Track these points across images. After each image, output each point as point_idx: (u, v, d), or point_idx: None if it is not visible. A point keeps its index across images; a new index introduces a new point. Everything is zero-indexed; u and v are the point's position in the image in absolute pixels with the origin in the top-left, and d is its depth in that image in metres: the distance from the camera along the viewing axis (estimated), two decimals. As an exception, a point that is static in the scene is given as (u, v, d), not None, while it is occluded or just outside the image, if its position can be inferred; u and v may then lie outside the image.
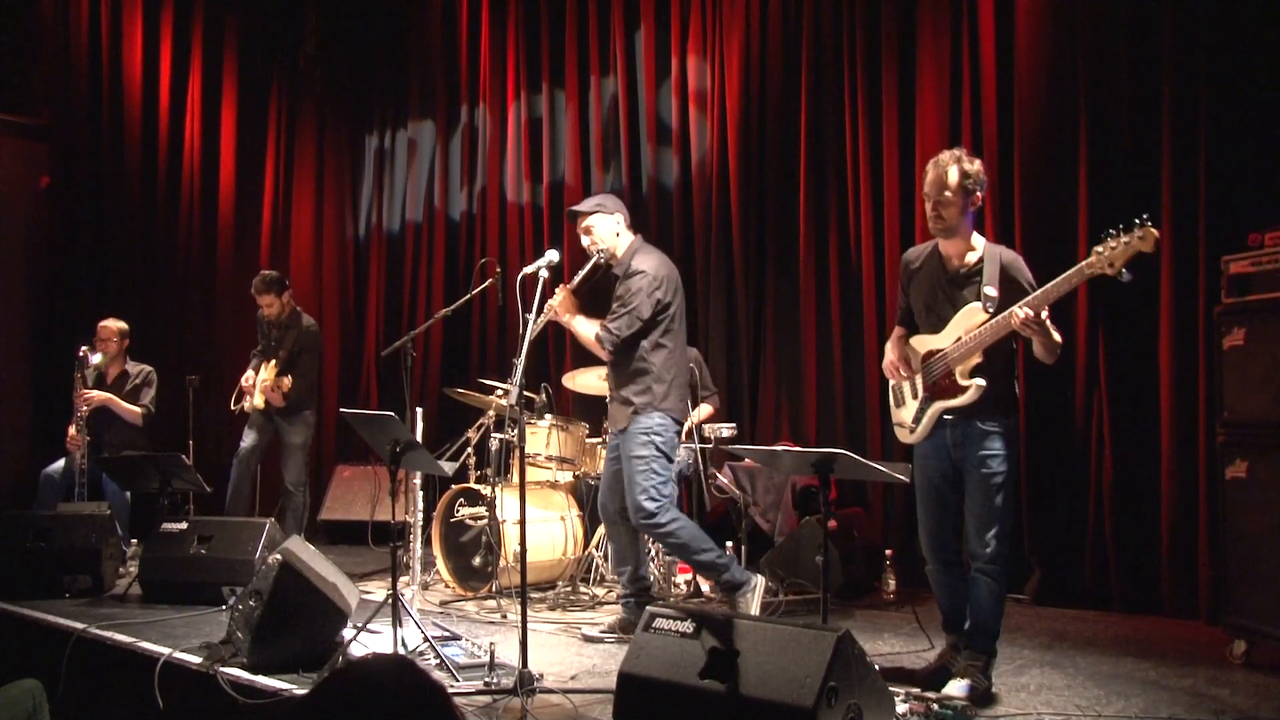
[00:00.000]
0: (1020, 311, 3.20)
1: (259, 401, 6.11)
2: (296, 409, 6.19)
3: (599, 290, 4.46)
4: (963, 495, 3.48)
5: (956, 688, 3.35)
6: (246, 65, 8.40)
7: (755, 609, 4.19)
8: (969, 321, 3.39)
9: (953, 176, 3.38)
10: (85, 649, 4.06)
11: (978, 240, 3.49)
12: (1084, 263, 3.19)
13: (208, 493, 5.57)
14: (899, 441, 3.73)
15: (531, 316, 3.78)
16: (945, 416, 3.46)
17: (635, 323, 4.15)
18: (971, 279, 3.42)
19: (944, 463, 3.49)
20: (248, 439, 6.19)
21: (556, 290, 4.27)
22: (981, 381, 3.36)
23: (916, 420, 3.55)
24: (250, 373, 6.22)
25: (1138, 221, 3.06)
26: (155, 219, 7.86)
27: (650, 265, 4.21)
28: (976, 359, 3.39)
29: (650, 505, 4.10)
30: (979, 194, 3.42)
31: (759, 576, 4.29)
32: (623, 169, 7.10)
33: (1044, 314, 3.22)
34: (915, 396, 3.56)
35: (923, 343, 3.55)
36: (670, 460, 4.21)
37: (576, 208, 4.37)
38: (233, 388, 6.41)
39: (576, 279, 4.27)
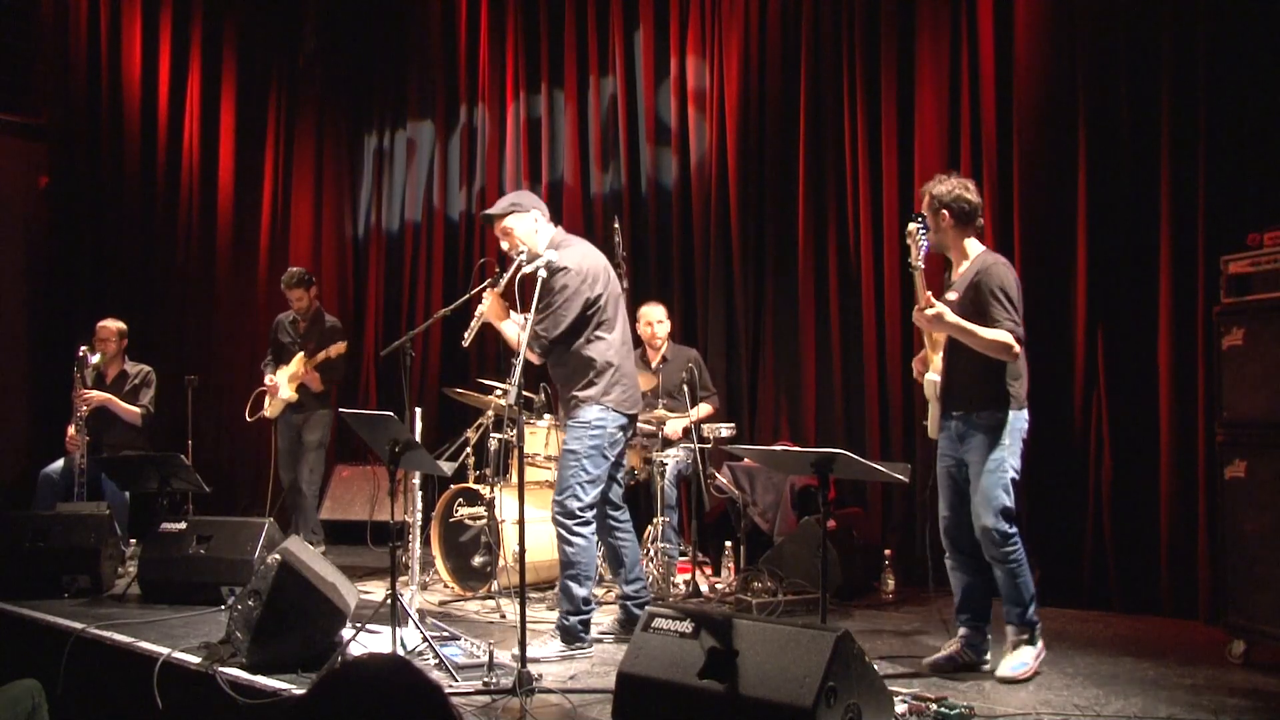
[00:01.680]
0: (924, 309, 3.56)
1: (288, 394, 6.12)
2: (313, 405, 6.22)
3: (531, 289, 4.38)
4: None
5: (1009, 667, 3.61)
6: (245, 65, 8.40)
7: (551, 659, 3.90)
8: None
9: (925, 200, 3.77)
10: (84, 649, 4.06)
11: (973, 249, 3.78)
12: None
13: (207, 493, 5.56)
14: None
15: (466, 331, 3.86)
16: (953, 414, 3.73)
17: (562, 322, 4.00)
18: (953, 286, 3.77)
19: (955, 455, 3.78)
20: (282, 447, 6.30)
21: (484, 295, 4.15)
22: (932, 376, 3.78)
23: (932, 417, 3.91)
24: (269, 377, 6.25)
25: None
26: (154, 218, 7.86)
27: (573, 260, 4.05)
28: (935, 356, 3.78)
29: (573, 504, 3.95)
30: (945, 213, 3.73)
31: (593, 649, 4.03)
32: (622, 169, 7.10)
33: (932, 310, 3.52)
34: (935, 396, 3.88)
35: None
36: (606, 459, 4.04)
37: (489, 211, 4.25)
38: (232, 388, 6.42)
39: (501, 282, 4.14)
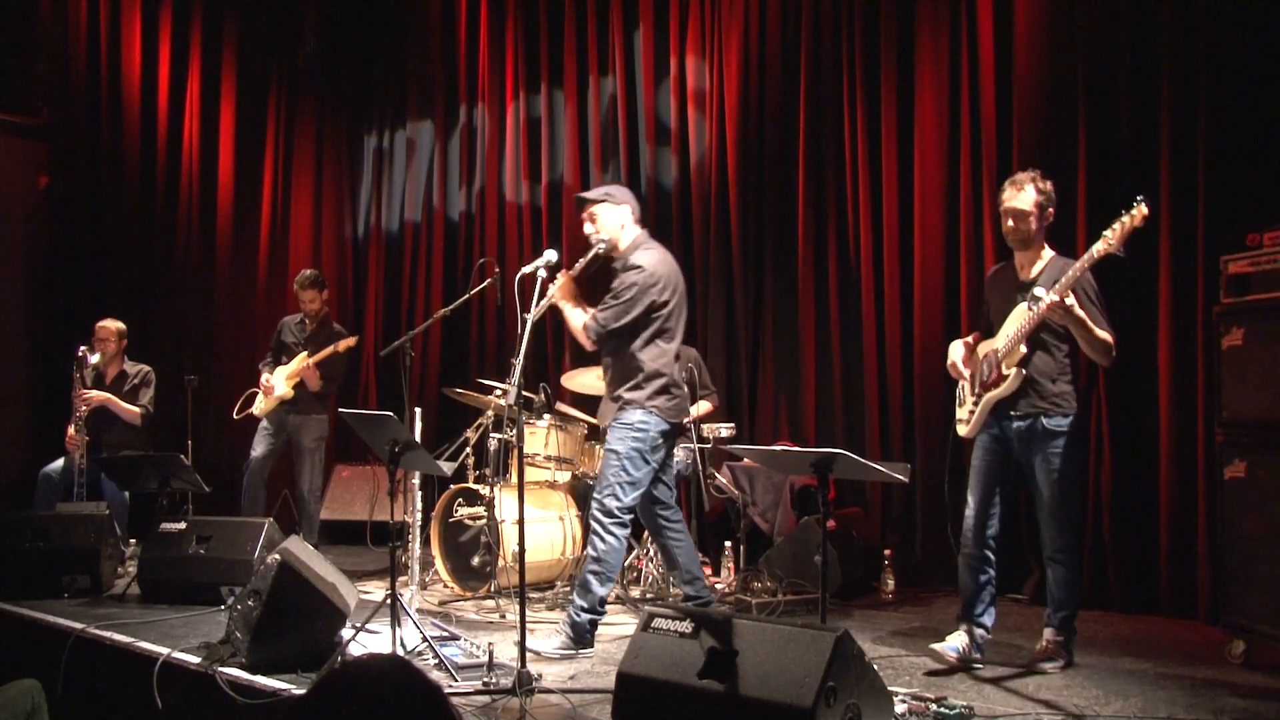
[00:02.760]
0: (1047, 297, 3.50)
1: (284, 390, 6.10)
2: (310, 408, 6.19)
3: (600, 283, 4.42)
4: (1013, 489, 3.90)
5: (1053, 665, 3.73)
6: (245, 65, 8.39)
7: (552, 655, 3.91)
8: (1016, 321, 3.71)
9: (1029, 194, 3.74)
10: (84, 649, 4.05)
11: (1047, 252, 3.83)
12: (1093, 247, 3.49)
13: (207, 493, 5.56)
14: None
15: (533, 306, 3.81)
16: (1011, 413, 3.74)
17: (623, 316, 4.04)
18: (1034, 285, 3.72)
19: (1003, 456, 3.81)
20: (259, 448, 6.18)
21: (558, 275, 4.18)
22: (1022, 370, 3.67)
23: (970, 415, 3.86)
24: (266, 376, 6.22)
25: (1135, 202, 3.43)
26: (154, 218, 7.85)
27: (649, 261, 4.10)
28: (1020, 353, 3.69)
29: (611, 504, 3.97)
30: (1051, 210, 3.78)
31: (590, 655, 3.96)
32: (621, 169, 7.09)
33: (1069, 300, 3.48)
34: (972, 393, 3.87)
35: (986, 346, 3.86)
36: (647, 463, 4.05)
37: (585, 194, 4.31)
38: (232, 387, 6.41)
39: (577, 266, 4.18)
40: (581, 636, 4.00)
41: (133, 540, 5.99)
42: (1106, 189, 5.01)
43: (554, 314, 4.29)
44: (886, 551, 5.38)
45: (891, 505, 5.83)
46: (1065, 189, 5.14)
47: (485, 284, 4.90)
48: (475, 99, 8.06)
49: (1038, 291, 3.62)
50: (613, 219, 4.19)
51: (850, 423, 5.99)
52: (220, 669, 3.51)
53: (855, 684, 2.62)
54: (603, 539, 3.99)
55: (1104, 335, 3.63)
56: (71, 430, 5.96)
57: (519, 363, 3.71)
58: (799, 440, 6.08)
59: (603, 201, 4.21)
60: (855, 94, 5.96)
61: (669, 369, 4.14)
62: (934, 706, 3.16)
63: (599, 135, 7.26)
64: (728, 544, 5.47)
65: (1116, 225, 3.43)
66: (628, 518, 4.04)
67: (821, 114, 6.17)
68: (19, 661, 4.09)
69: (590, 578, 4.00)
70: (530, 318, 3.97)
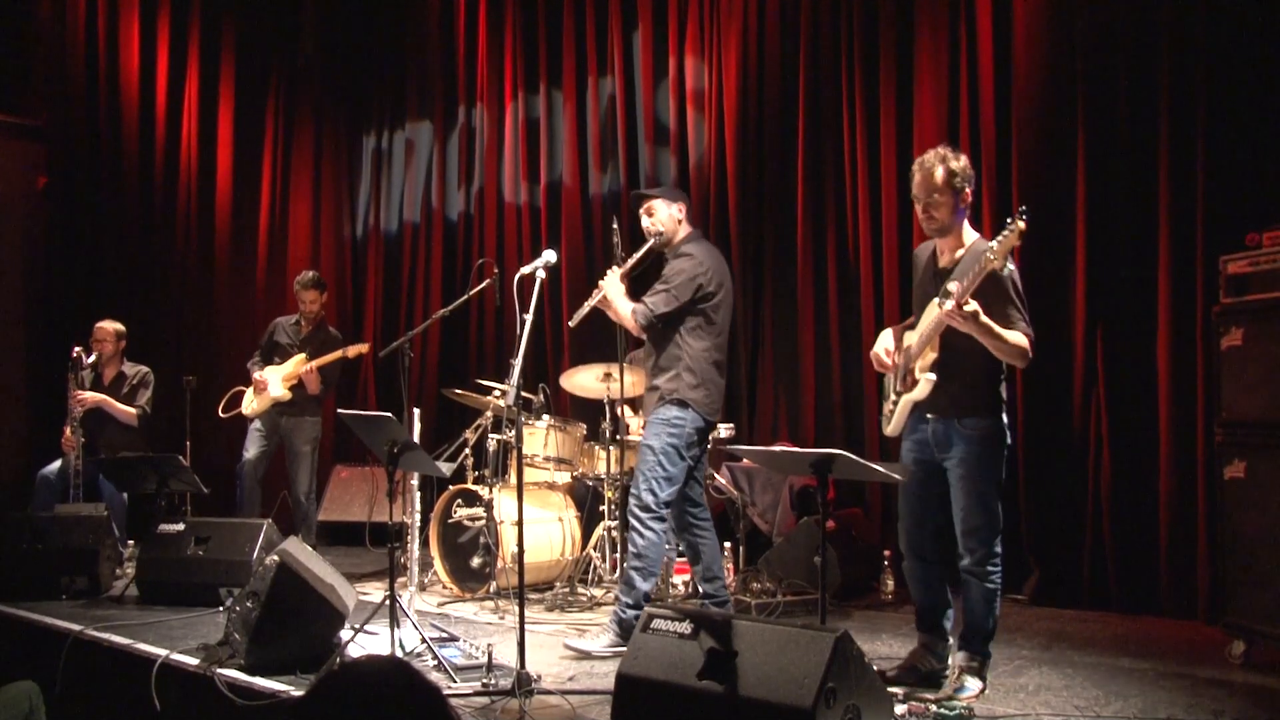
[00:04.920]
0: (945, 302, 3.16)
1: (280, 392, 6.08)
2: (305, 410, 6.18)
3: (648, 280, 4.43)
4: (944, 492, 3.48)
5: (973, 686, 3.37)
6: (244, 66, 8.38)
7: (604, 654, 3.92)
8: (928, 316, 3.39)
9: (939, 176, 3.39)
10: (82, 650, 4.04)
11: (969, 236, 3.48)
12: (981, 260, 3.13)
13: (205, 494, 5.55)
14: (896, 442, 3.72)
15: (580, 309, 3.98)
16: (928, 415, 3.46)
17: (673, 302, 4.10)
18: (949, 276, 3.36)
19: (925, 458, 3.49)
20: (252, 450, 6.17)
21: (608, 271, 4.24)
22: (931, 376, 3.36)
23: (891, 414, 3.60)
24: (258, 374, 6.20)
25: (1009, 220, 3.05)
26: (152, 219, 7.84)
27: (700, 251, 4.21)
28: (932, 355, 3.38)
29: (649, 499, 4.02)
30: (968, 190, 3.42)
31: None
32: (620, 169, 7.09)
33: (970, 307, 3.13)
34: (895, 391, 3.60)
35: (908, 337, 3.56)
36: (683, 459, 4.08)
37: (642, 191, 4.44)
38: (231, 388, 6.39)
39: (630, 262, 4.25)
40: (629, 632, 3.99)
41: (131, 541, 5.99)
42: (1106, 188, 5.01)
43: (552, 314, 4.29)
44: (886, 552, 5.38)
45: (891, 505, 5.81)
46: (1064, 187, 5.16)
47: (484, 285, 4.90)
48: (474, 99, 8.06)
49: (950, 286, 3.21)
50: (668, 214, 4.29)
51: (849, 423, 5.99)
52: (219, 670, 3.50)
53: (855, 685, 2.61)
54: (641, 534, 4.03)
55: (1016, 340, 3.25)
56: (67, 431, 5.95)
57: (518, 363, 3.71)
58: (798, 440, 6.08)
59: (659, 197, 4.32)
60: (854, 94, 5.96)
61: (710, 363, 4.17)
62: (934, 707, 3.16)
63: (598, 136, 7.26)
64: (727, 545, 5.44)
65: (996, 242, 3.05)
66: (665, 511, 4.08)
67: (821, 114, 6.17)
68: (17, 663, 4.09)
69: (633, 574, 4.04)
70: (577, 318, 4.12)
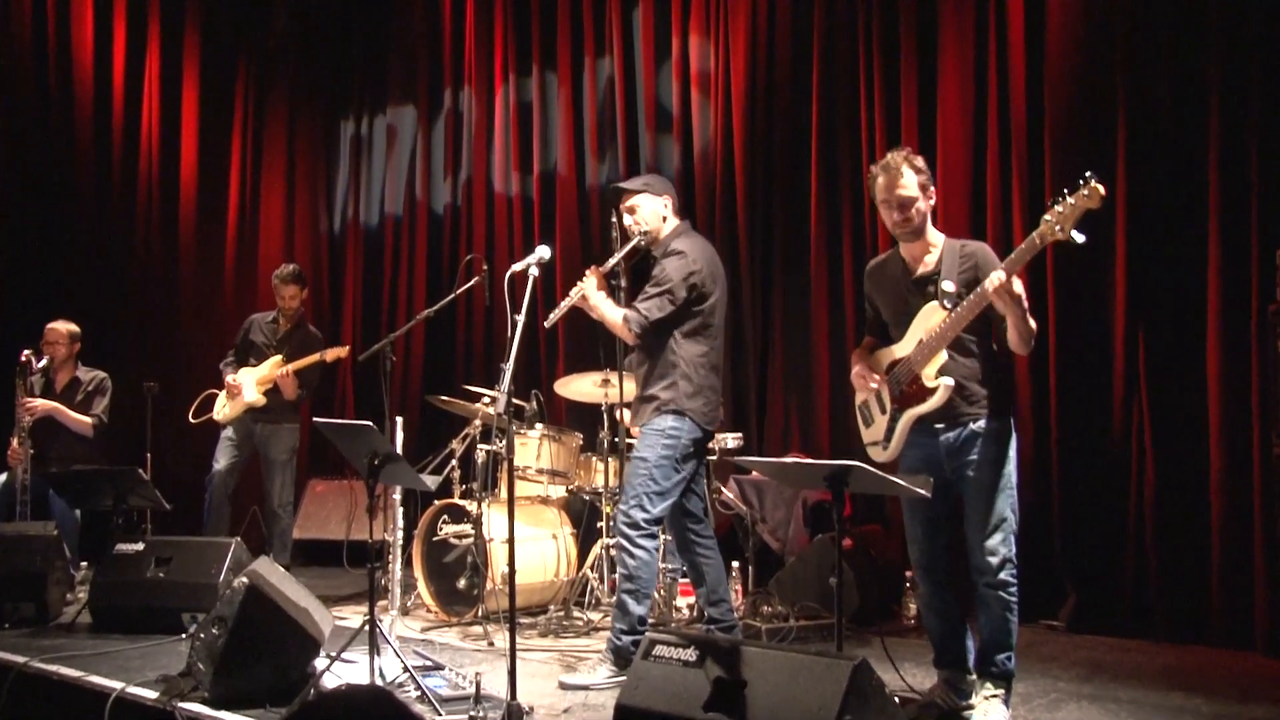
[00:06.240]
0: (995, 278, 3.17)
1: (254, 397, 6.07)
2: (282, 416, 6.17)
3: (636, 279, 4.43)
4: (949, 509, 3.58)
5: (999, 715, 3.38)
6: (210, 43, 8.38)
7: (603, 686, 3.89)
8: (928, 322, 3.45)
9: (909, 177, 3.46)
10: (27, 685, 4.01)
11: (936, 238, 3.56)
12: (1035, 232, 3.17)
13: (167, 510, 5.53)
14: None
15: (557, 308, 3.87)
16: (936, 425, 3.49)
17: (667, 305, 4.07)
18: (934, 279, 3.47)
19: (934, 475, 3.50)
20: (222, 460, 6.16)
21: (586, 272, 4.22)
22: (950, 380, 3.42)
23: (888, 436, 3.59)
24: (231, 377, 6.19)
25: (1082, 181, 3.08)
26: (110, 212, 7.83)
27: (691, 248, 4.16)
28: (942, 359, 3.42)
29: (638, 515, 3.99)
30: (932, 190, 3.54)
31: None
32: (620, 158, 7.10)
33: (1017, 284, 3.19)
34: (884, 411, 3.60)
35: (886, 355, 3.62)
36: (677, 472, 4.07)
37: (622, 184, 4.37)
38: (196, 395, 6.38)
39: (610, 262, 4.23)
40: (627, 660, 3.98)
41: (84, 563, 5.98)
42: (1148, 178, 5.00)
43: (546, 315, 4.27)
44: (908, 572, 5.34)
45: (914, 523, 5.80)
46: (1103, 178, 5.09)
47: (472, 283, 4.90)
48: (461, 82, 8.08)
49: (945, 286, 3.35)
50: (653, 209, 4.26)
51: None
52: (181, 704, 3.48)
53: (874, 718, 2.60)
54: (631, 554, 4.00)
55: (1034, 323, 3.33)
56: (15, 443, 5.93)
57: (509, 368, 3.69)
58: (811, 451, 6.07)
59: (642, 192, 4.27)
60: (872, 76, 5.96)
61: (705, 368, 4.16)
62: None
63: (595, 121, 7.27)
64: (735, 564, 5.44)
65: (1064, 207, 3.09)
66: (656, 528, 4.06)
67: (836, 97, 6.17)
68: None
69: (625, 598, 4.01)
70: (551, 319, 4.05)
